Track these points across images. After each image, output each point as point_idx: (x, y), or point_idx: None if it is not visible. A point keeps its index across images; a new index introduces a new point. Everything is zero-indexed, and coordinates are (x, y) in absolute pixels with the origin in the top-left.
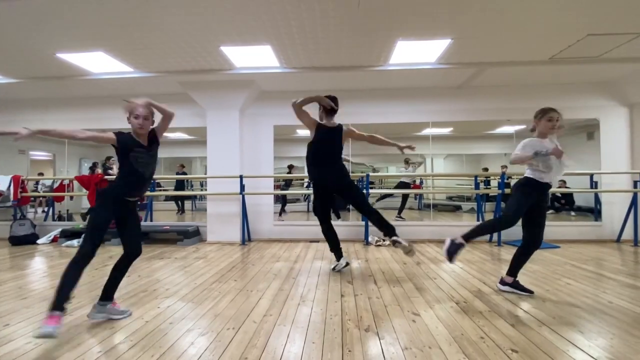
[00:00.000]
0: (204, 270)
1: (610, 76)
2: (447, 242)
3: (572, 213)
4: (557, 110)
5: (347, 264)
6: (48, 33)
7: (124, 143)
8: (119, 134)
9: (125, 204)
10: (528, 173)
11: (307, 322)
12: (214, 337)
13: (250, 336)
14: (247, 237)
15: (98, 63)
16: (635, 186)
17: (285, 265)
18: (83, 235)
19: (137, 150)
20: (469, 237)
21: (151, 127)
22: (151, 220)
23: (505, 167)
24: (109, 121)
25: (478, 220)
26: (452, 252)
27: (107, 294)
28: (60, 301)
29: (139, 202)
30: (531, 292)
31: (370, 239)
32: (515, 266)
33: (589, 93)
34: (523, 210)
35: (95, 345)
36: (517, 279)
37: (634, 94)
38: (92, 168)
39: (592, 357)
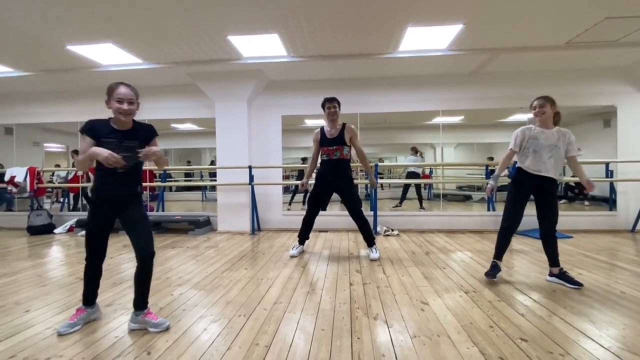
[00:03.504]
0: (215, 259)
1: (629, 61)
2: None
3: (586, 203)
4: (539, 97)
5: (303, 251)
6: (58, 25)
7: (96, 132)
8: (88, 128)
9: (111, 203)
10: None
11: (317, 309)
12: (225, 324)
13: (261, 323)
14: (256, 227)
15: (107, 55)
16: None
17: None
18: (86, 249)
19: (107, 140)
20: (497, 255)
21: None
22: (163, 211)
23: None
24: None
25: (488, 210)
26: (489, 272)
27: (136, 302)
28: (83, 296)
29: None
30: (580, 285)
31: (379, 228)
32: (550, 256)
33: (606, 79)
34: (517, 209)
35: (112, 330)
36: (562, 269)
37: None
38: None
39: (603, 347)
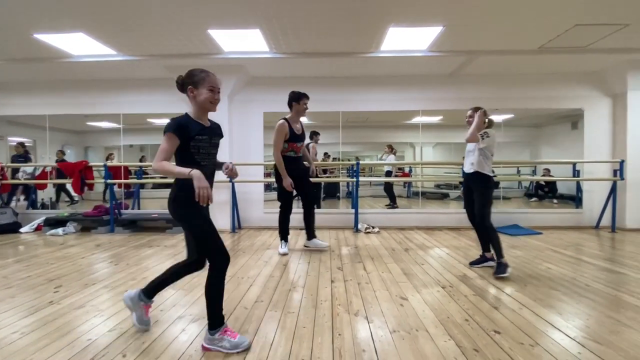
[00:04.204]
0: None
1: (596, 67)
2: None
3: (555, 201)
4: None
5: (287, 252)
6: (24, 11)
7: (188, 132)
8: (178, 128)
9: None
10: None
11: (298, 307)
12: (205, 324)
13: (241, 322)
14: (237, 225)
15: (79, 45)
16: (614, 175)
17: (275, 253)
18: (211, 254)
19: (200, 138)
20: (484, 249)
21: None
22: (138, 208)
23: None
24: (92, 107)
25: (464, 207)
26: (474, 262)
27: (150, 289)
28: (218, 317)
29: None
30: (492, 259)
31: (360, 226)
32: (480, 242)
33: (575, 83)
34: (465, 206)
35: (84, 333)
36: (485, 253)
37: (617, 85)
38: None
39: (569, 336)
